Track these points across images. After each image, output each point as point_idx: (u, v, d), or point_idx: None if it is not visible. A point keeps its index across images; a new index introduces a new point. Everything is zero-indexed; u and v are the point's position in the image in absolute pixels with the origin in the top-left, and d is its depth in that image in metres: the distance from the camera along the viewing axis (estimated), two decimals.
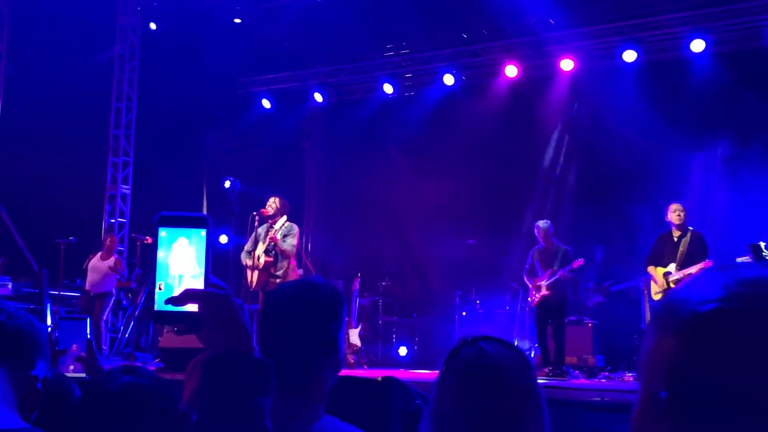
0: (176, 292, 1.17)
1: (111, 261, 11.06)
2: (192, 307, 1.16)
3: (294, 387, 1.89)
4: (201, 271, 1.19)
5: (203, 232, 1.20)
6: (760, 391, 0.75)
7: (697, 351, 0.79)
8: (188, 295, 1.15)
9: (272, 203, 9.21)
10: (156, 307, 1.18)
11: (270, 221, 9.19)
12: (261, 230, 9.20)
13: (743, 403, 0.75)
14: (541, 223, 9.78)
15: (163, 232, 1.20)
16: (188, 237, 1.20)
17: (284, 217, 9.22)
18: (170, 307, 1.16)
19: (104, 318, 10.97)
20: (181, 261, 1.19)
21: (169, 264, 1.19)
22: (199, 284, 1.18)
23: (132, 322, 12.01)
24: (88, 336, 2.78)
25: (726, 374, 0.76)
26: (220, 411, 1.10)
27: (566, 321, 10.54)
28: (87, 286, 11.01)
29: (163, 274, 1.19)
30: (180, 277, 1.19)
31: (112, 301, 11.12)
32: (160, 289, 1.18)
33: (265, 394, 1.12)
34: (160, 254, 1.19)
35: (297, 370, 1.91)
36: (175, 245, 1.20)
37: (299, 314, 1.96)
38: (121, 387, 1.54)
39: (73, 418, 1.59)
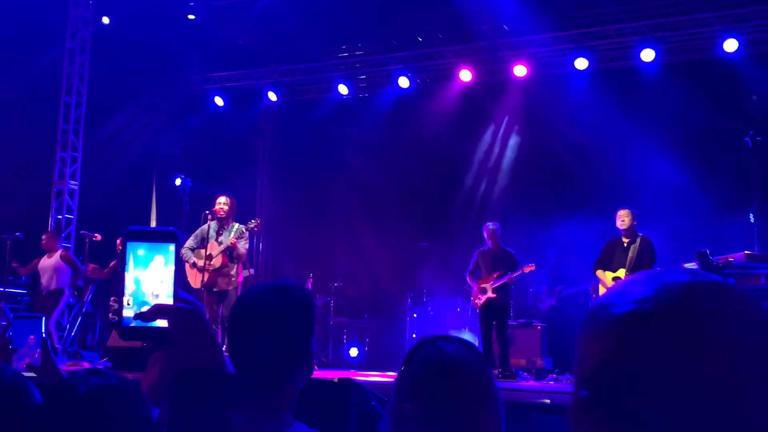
0: (146, 308, 1.15)
1: (57, 255, 10.77)
2: (162, 323, 1.15)
3: (266, 393, 1.86)
4: (172, 287, 1.18)
5: (172, 247, 1.19)
6: (664, 387, 0.79)
7: (612, 351, 0.83)
8: (158, 311, 1.15)
9: (225, 204, 9.07)
10: (124, 323, 1.16)
11: (222, 222, 9.06)
12: (211, 230, 9.04)
13: (651, 399, 0.79)
14: (491, 225, 9.86)
15: (140, 250, 1.18)
16: (164, 254, 1.19)
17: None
18: (139, 323, 1.15)
19: (56, 317, 10.67)
20: (156, 279, 1.18)
21: (142, 281, 1.17)
22: (171, 300, 1.17)
23: (78, 320, 11.81)
24: (44, 335, 2.72)
25: (636, 372, 0.80)
26: (192, 427, 1.09)
27: (515, 323, 10.67)
28: (41, 286, 10.73)
29: (137, 291, 1.17)
30: (155, 294, 1.17)
31: (65, 298, 10.79)
32: (128, 304, 1.16)
33: (238, 410, 1.12)
34: (137, 272, 1.17)
35: (270, 376, 1.88)
36: (152, 264, 1.18)
37: (271, 319, 1.90)
38: (90, 389, 1.52)
39: (38, 423, 1.56)
